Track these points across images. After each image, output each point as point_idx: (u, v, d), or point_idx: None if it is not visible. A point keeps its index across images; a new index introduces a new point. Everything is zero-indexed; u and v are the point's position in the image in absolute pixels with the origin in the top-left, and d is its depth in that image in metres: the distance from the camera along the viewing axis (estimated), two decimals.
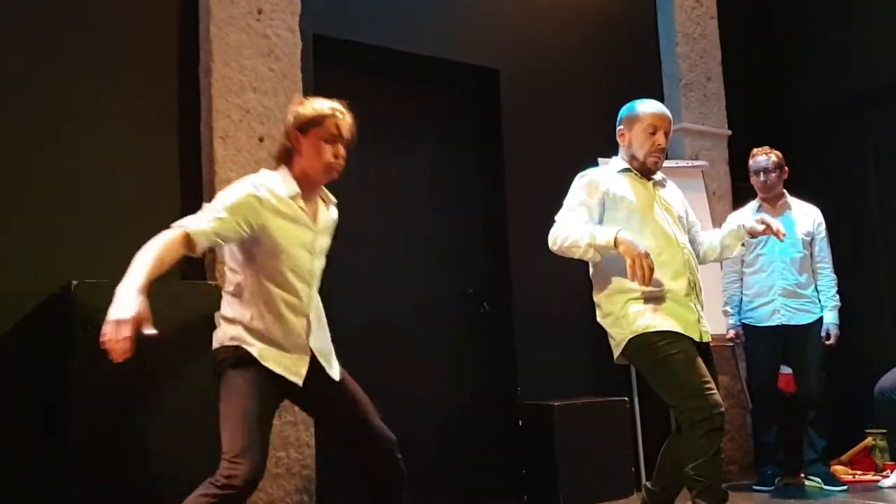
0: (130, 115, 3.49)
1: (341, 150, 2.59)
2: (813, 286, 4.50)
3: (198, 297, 3.08)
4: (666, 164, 4.71)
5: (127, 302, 2.09)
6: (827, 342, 4.42)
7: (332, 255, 2.67)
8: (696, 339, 2.95)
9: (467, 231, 4.59)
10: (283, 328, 2.51)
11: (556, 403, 4.10)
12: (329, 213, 2.72)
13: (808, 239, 4.51)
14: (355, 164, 4.24)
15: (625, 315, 2.97)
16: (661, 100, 5.27)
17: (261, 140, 3.67)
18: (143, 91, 3.53)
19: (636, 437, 4.41)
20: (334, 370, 2.64)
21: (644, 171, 3.10)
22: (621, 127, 3.15)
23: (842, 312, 4.48)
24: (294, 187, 2.55)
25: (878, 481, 4.45)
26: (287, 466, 3.56)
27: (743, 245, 3.20)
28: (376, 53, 4.24)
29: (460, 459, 4.35)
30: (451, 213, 4.56)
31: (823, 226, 4.57)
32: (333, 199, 2.76)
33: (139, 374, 2.89)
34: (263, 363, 2.44)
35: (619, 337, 2.99)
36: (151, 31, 3.60)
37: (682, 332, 2.91)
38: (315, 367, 2.57)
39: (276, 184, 2.53)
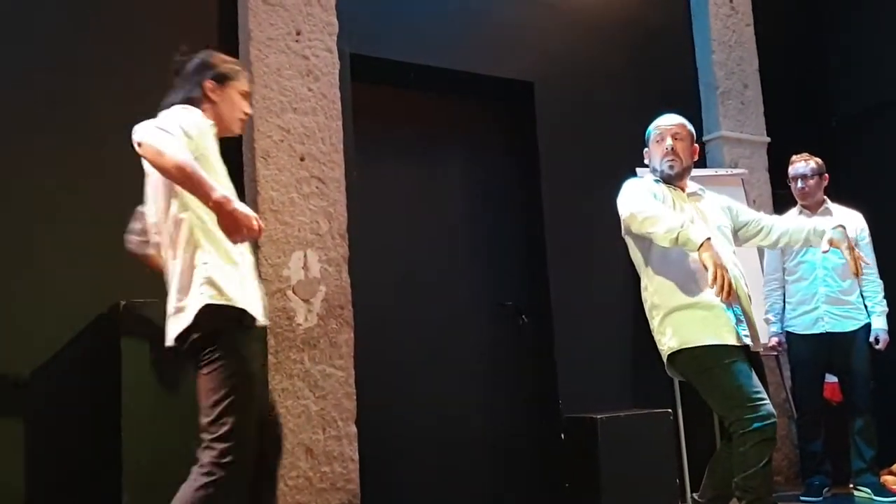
0: None
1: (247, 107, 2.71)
2: (857, 293, 4.43)
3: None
4: (705, 172, 4.76)
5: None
6: (876, 347, 4.36)
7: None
8: (736, 343, 2.90)
9: (505, 244, 4.60)
10: None
11: (599, 416, 4.07)
12: None
13: None
14: (394, 178, 4.34)
15: (663, 332, 3.01)
16: (699, 108, 5.28)
17: (302, 159, 3.72)
18: None
19: (680, 449, 4.37)
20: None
21: (667, 179, 3.14)
22: (646, 149, 3.25)
23: (890, 318, 4.41)
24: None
25: None
26: (331, 481, 3.59)
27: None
28: (412, 70, 4.29)
29: (503, 473, 4.35)
30: (489, 226, 4.58)
31: (867, 231, 4.50)
32: None
33: (186, 388, 2.96)
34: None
35: (662, 352, 3.02)
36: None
37: (722, 341, 2.90)
38: None
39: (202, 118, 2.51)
